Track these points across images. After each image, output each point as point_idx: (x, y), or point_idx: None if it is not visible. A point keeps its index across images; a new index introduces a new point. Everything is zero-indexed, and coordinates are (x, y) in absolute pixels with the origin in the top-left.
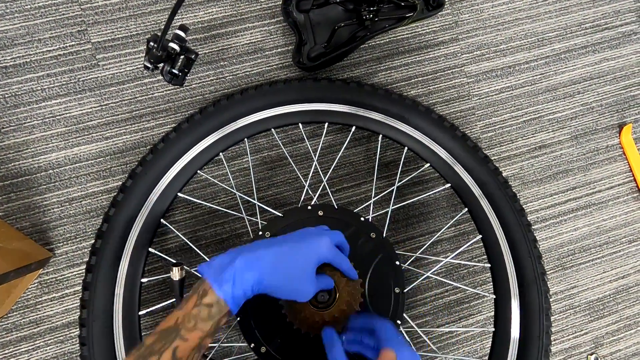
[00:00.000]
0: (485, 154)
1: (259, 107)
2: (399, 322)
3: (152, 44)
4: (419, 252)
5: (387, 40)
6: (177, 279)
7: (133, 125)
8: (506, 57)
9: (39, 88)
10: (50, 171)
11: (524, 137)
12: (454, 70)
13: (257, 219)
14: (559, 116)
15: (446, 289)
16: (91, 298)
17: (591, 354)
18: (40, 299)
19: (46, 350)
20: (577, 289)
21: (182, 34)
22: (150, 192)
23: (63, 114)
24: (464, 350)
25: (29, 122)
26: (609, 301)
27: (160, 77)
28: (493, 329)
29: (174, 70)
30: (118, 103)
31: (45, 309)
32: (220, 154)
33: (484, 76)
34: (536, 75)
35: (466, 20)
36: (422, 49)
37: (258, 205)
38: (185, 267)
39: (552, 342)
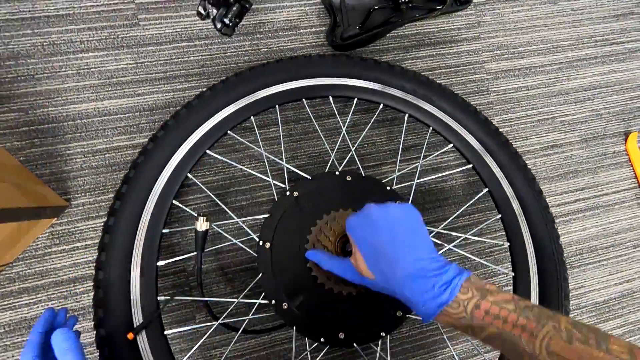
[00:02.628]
0: (507, 138)
1: (293, 76)
2: None
3: None
4: (440, 227)
5: (415, 31)
6: (201, 230)
7: (166, 85)
8: (523, 59)
9: (78, 40)
10: (78, 121)
11: (538, 136)
12: (475, 66)
13: (284, 184)
14: (570, 119)
15: (464, 264)
16: (111, 241)
17: None
18: (49, 250)
19: (48, 305)
20: (585, 289)
21: None
22: (180, 146)
23: (98, 67)
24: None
25: (63, 72)
26: (614, 304)
27: (197, 43)
28: None
29: (225, 20)
30: (154, 63)
31: (53, 261)
32: (252, 117)
33: (503, 74)
34: (550, 79)
35: (488, 22)
36: (446, 43)
37: (286, 167)
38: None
39: None
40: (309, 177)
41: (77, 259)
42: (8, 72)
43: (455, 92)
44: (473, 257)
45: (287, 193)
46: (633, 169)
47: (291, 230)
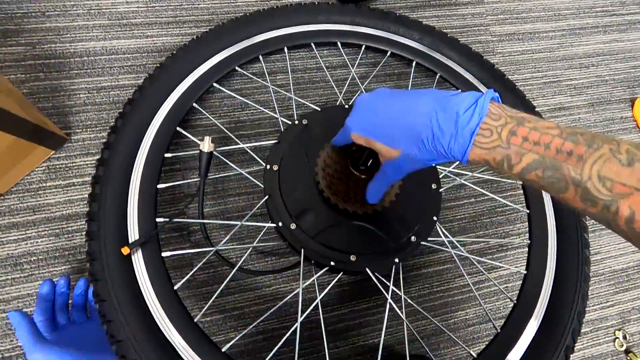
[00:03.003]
0: (514, 83)
1: (302, 21)
2: (435, 218)
3: None
4: (450, 167)
5: None
6: (206, 151)
7: (175, 29)
8: (527, 24)
9: None
10: (85, 58)
11: (544, 97)
12: (480, 27)
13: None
14: (575, 83)
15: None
16: (111, 157)
17: (619, 330)
18: (44, 185)
19: (37, 242)
20: (601, 255)
21: None
22: (187, 75)
23: (109, 8)
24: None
25: (74, 11)
26: (633, 273)
27: None
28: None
29: None
30: (164, 7)
31: (47, 196)
32: (260, 56)
33: (507, 37)
34: (554, 45)
35: None
36: (451, 6)
37: (294, 99)
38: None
39: None
40: (318, 108)
41: (72, 196)
42: (19, 8)
43: (460, 41)
44: (488, 193)
45: (296, 122)
46: None
47: (300, 154)
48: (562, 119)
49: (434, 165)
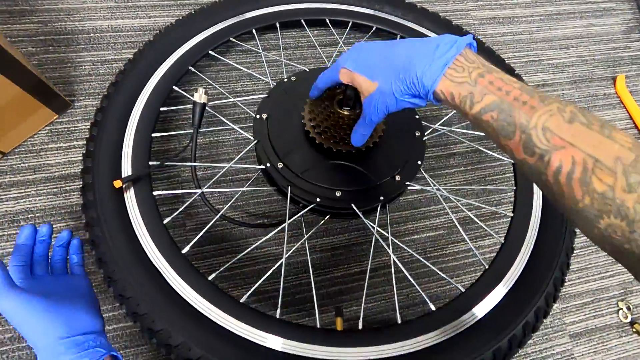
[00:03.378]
0: (501, 57)
1: (291, 0)
2: (419, 162)
3: None
4: (437, 124)
5: None
6: (200, 102)
7: (177, 11)
8: (506, 10)
9: None
10: (92, 34)
11: (527, 75)
12: (461, 12)
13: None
14: (557, 62)
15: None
16: (109, 106)
17: (621, 300)
18: (46, 147)
19: (35, 200)
20: None
21: None
22: (186, 42)
23: None
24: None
25: None
26: None
27: None
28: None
29: None
30: None
31: (48, 157)
32: (253, 30)
33: (488, 21)
34: (533, 28)
35: None
36: None
37: (284, 62)
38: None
39: (578, 281)
40: (306, 69)
41: (72, 157)
42: None
43: (441, 15)
44: (474, 145)
45: (285, 80)
46: (627, 110)
47: (288, 104)
48: None
49: (406, 108)
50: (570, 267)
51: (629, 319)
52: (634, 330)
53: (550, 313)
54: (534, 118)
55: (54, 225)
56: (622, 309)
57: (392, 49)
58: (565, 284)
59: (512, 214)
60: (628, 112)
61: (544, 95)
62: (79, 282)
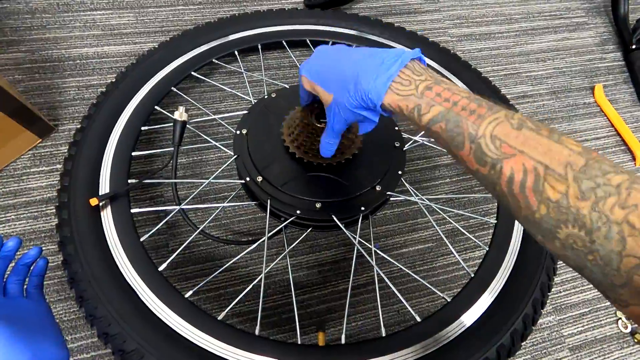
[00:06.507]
0: (478, 71)
1: (273, 23)
2: (399, 172)
3: None
4: (417, 135)
5: (381, 4)
6: (180, 119)
7: (161, 37)
8: (482, 27)
9: (89, 1)
10: (78, 61)
11: (507, 87)
12: (439, 30)
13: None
14: (535, 74)
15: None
16: (89, 126)
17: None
18: (28, 171)
19: (15, 224)
20: None
21: None
22: (169, 63)
23: (103, 22)
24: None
25: (71, 24)
26: None
27: (192, 7)
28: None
29: None
30: (152, 20)
31: (29, 181)
32: (236, 51)
33: (466, 38)
34: (510, 43)
35: None
36: (410, 14)
37: (265, 80)
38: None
39: (573, 291)
40: (287, 86)
41: (53, 180)
42: (23, 23)
43: (418, 33)
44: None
45: (266, 96)
46: (607, 118)
47: (268, 120)
48: (526, 106)
49: (363, 118)
50: (564, 277)
51: (629, 329)
52: (636, 340)
53: (547, 326)
54: (482, 127)
55: None
56: (620, 318)
57: (341, 62)
58: (560, 294)
59: (495, 221)
60: (609, 120)
61: (493, 103)
62: (39, 307)
